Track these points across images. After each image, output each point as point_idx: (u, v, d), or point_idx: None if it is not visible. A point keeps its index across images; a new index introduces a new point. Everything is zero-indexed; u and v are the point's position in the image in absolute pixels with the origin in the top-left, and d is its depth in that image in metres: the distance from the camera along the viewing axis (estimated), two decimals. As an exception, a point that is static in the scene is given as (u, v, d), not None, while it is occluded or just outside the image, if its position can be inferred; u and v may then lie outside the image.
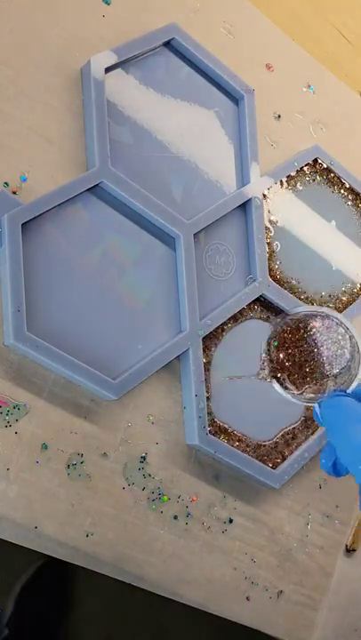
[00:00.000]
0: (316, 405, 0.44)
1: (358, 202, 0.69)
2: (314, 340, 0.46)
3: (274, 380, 0.47)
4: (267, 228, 0.63)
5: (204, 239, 0.59)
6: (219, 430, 0.57)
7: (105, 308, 0.53)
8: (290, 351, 0.47)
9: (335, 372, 0.46)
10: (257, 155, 0.62)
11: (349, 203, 0.68)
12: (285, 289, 0.62)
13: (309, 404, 0.46)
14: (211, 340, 0.58)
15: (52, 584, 0.87)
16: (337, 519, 0.65)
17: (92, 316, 0.52)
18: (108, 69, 0.55)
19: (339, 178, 0.68)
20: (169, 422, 0.56)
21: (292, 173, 0.65)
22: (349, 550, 0.65)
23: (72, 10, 0.56)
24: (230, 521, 0.59)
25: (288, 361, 0.47)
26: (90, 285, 0.53)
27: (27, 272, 0.50)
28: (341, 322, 0.47)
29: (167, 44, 0.59)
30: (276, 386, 0.47)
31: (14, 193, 0.51)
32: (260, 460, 0.58)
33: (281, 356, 0.46)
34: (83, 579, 0.89)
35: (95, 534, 0.52)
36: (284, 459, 0.60)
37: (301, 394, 0.46)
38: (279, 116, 0.66)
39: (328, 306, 0.65)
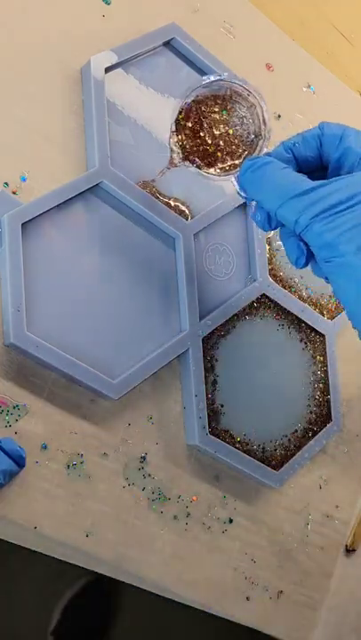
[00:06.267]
0: (234, 180, 0.47)
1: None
2: (226, 113, 0.49)
3: (187, 163, 0.48)
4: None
5: (204, 239, 0.59)
6: (221, 432, 0.57)
7: (105, 308, 0.53)
8: (197, 128, 0.48)
9: (246, 144, 0.49)
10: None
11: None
12: (286, 288, 0.62)
13: (226, 180, 0.49)
14: (214, 339, 0.58)
15: (97, 599, 0.90)
16: (337, 519, 0.65)
17: (92, 316, 0.52)
18: (108, 69, 0.55)
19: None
20: (169, 422, 0.56)
21: (293, 173, 0.65)
22: (349, 550, 0.65)
23: (72, 10, 0.56)
24: (230, 521, 0.59)
25: (196, 140, 0.48)
26: (90, 285, 0.53)
27: (27, 272, 0.50)
28: (249, 92, 0.49)
29: (167, 44, 0.59)
30: (192, 169, 0.49)
31: (14, 193, 0.51)
32: (260, 461, 0.58)
33: (190, 136, 0.48)
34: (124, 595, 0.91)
35: (95, 534, 0.52)
36: (284, 459, 0.60)
37: (218, 174, 0.49)
38: (279, 116, 0.66)
39: (328, 307, 0.65)
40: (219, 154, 0.49)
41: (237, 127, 0.49)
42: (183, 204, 0.58)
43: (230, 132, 0.49)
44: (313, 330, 0.64)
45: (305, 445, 0.61)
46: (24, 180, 0.52)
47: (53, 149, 0.53)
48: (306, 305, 0.63)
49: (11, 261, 0.48)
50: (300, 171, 0.46)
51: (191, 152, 0.49)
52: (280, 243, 0.64)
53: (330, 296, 0.66)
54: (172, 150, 0.49)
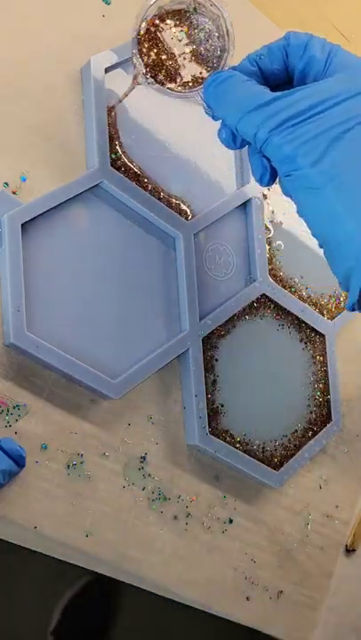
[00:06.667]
0: (199, 97, 0.46)
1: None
2: (185, 34, 0.48)
3: (152, 81, 0.47)
4: (267, 228, 0.63)
5: (204, 239, 0.59)
6: (221, 432, 0.57)
7: (105, 308, 0.53)
8: (160, 45, 0.47)
9: (210, 60, 0.48)
10: (257, 155, 0.62)
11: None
12: (286, 288, 0.62)
13: (192, 96, 0.47)
14: (214, 339, 0.58)
15: (97, 599, 0.90)
16: (337, 519, 0.65)
17: (92, 316, 0.52)
18: (108, 69, 0.55)
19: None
20: (169, 422, 0.56)
21: (293, 173, 0.65)
22: (349, 550, 0.65)
23: (72, 10, 0.56)
24: (230, 521, 0.59)
25: (159, 57, 0.47)
26: (90, 285, 0.53)
27: (27, 272, 0.50)
28: (212, 2, 0.48)
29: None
30: (156, 86, 0.48)
31: (14, 193, 0.51)
32: (260, 461, 0.58)
33: (152, 53, 0.47)
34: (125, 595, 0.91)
35: (95, 534, 0.52)
36: (284, 459, 0.60)
37: (182, 90, 0.48)
38: (279, 116, 0.66)
39: (328, 307, 0.65)
40: (183, 70, 0.48)
41: (202, 43, 0.48)
42: (184, 202, 0.58)
43: (187, 50, 0.48)
44: (313, 330, 0.64)
45: (305, 445, 0.61)
46: (24, 180, 0.52)
47: (53, 149, 0.53)
48: (306, 305, 0.63)
49: (11, 261, 0.48)
50: (266, 84, 0.44)
51: (154, 69, 0.48)
52: (280, 242, 0.64)
53: (330, 296, 0.66)
54: (135, 68, 0.48)
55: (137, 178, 0.55)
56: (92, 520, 0.52)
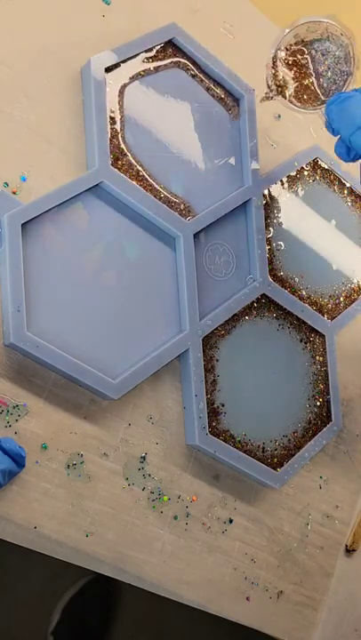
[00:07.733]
0: (322, 113, 0.53)
1: (358, 202, 0.69)
2: (313, 59, 0.54)
3: (280, 97, 0.55)
4: (267, 228, 0.63)
5: (204, 239, 0.59)
6: (221, 432, 0.57)
7: (105, 308, 0.53)
8: (292, 68, 0.54)
9: (333, 87, 0.55)
10: (257, 155, 0.62)
11: (349, 203, 0.68)
12: (286, 288, 0.62)
13: (315, 112, 0.55)
14: (214, 339, 0.58)
15: (97, 599, 0.91)
16: (337, 519, 0.65)
17: (92, 316, 0.52)
18: (108, 69, 0.55)
19: (338, 178, 0.68)
20: (169, 422, 0.56)
21: (292, 173, 0.65)
22: (349, 550, 0.65)
23: (72, 10, 0.56)
24: (230, 521, 0.59)
25: (291, 77, 0.54)
26: (90, 285, 0.53)
27: (27, 272, 0.50)
28: (343, 32, 0.54)
29: (167, 44, 0.59)
30: (282, 101, 0.55)
31: (14, 193, 0.51)
32: (260, 461, 0.58)
33: (283, 74, 0.54)
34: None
35: (95, 534, 0.52)
36: (284, 459, 0.60)
37: (305, 107, 0.55)
38: (279, 116, 0.66)
39: (328, 307, 0.65)
40: (309, 91, 0.55)
41: (330, 67, 0.54)
42: (184, 202, 0.58)
43: (314, 73, 0.54)
44: (313, 330, 0.64)
45: (305, 445, 0.61)
46: (24, 179, 0.52)
47: (53, 149, 0.53)
48: (306, 305, 0.63)
49: (11, 261, 0.48)
50: None
51: (283, 88, 0.55)
52: (280, 242, 0.64)
53: (330, 296, 0.66)
54: (268, 87, 0.55)
55: (137, 178, 0.55)
56: (92, 520, 0.52)
